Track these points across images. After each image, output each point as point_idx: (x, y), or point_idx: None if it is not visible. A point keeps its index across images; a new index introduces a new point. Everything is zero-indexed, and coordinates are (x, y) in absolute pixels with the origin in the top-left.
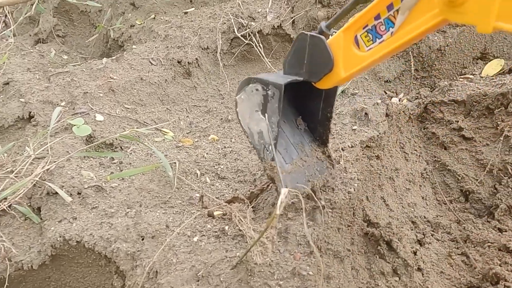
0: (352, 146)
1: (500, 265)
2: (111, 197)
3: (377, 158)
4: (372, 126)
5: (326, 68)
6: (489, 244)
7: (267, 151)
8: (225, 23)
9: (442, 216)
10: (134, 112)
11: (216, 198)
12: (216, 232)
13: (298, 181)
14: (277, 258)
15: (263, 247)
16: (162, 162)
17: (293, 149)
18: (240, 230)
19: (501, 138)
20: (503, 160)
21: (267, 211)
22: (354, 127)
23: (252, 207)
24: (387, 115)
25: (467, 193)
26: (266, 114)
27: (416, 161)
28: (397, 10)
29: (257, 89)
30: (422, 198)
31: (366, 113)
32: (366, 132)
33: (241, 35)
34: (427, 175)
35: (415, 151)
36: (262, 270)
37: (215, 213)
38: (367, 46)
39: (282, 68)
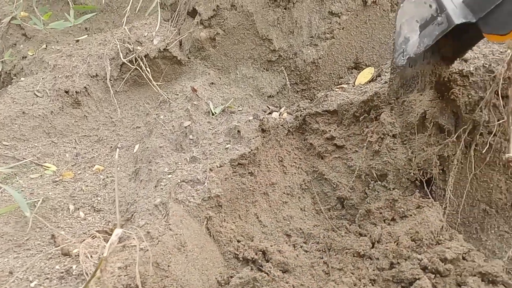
0: (221, 166)
1: (352, 272)
2: None
3: (250, 175)
4: (244, 143)
5: (506, 29)
6: (347, 250)
7: (402, 57)
8: (113, 49)
9: (318, 226)
10: (13, 149)
11: (84, 233)
12: (62, 273)
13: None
14: None
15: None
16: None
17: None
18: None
19: (365, 144)
20: (369, 165)
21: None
22: (227, 146)
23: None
24: (263, 130)
25: (342, 200)
26: (421, 32)
27: (295, 173)
28: None
29: (430, 6)
30: (301, 209)
31: (238, 131)
32: (237, 150)
33: (128, 60)
34: (306, 186)
35: (295, 163)
36: None
37: (74, 251)
38: None
39: None
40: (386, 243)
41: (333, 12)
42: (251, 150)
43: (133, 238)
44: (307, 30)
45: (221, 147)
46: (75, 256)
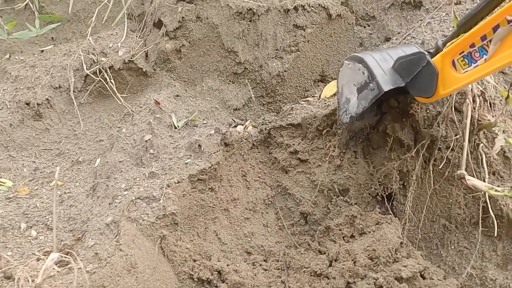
0: (179, 182)
1: None
2: None
3: (211, 191)
4: (205, 158)
5: (429, 93)
6: (305, 269)
7: (346, 115)
8: (78, 60)
9: (281, 242)
10: None
11: (33, 253)
12: None
13: None
14: None
15: None
16: None
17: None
18: None
19: (327, 158)
20: (331, 180)
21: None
22: (187, 161)
23: None
24: (226, 144)
25: (305, 215)
26: (359, 95)
27: (259, 188)
28: (490, 41)
29: (363, 73)
30: (264, 225)
31: (199, 145)
32: (197, 165)
33: (93, 72)
34: (270, 201)
35: (259, 178)
36: None
37: (19, 274)
38: (463, 69)
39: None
40: (344, 261)
41: (298, 25)
42: (212, 165)
43: (80, 260)
44: (272, 43)
45: (181, 162)
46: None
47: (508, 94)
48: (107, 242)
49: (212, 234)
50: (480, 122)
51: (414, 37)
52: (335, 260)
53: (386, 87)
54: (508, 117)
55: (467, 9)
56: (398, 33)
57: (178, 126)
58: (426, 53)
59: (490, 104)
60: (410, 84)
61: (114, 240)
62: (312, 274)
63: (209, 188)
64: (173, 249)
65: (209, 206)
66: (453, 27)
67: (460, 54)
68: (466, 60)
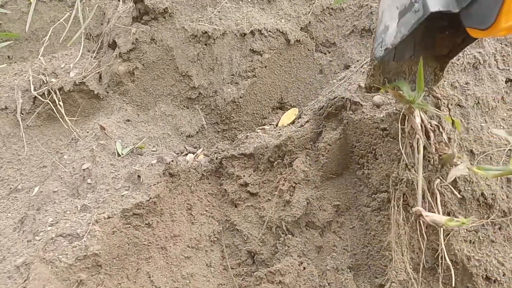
0: (109, 217)
1: None
2: None
3: (148, 227)
4: (143, 190)
5: (486, 23)
6: None
7: (381, 48)
8: (28, 80)
9: (224, 285)
10: None
11: None
12: None
13: None
14: None
15: None
16: None
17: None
18: None
19: (276, 193)
20: (279, 216)
21: None
22: (124, 193)
23: None
24: (171, 175)
25: (253, 254)
26: (399, 20)
27: (205, 223)
28: None
29: None
30: (207, 265)
31: (139, 176)
32: (134, 198)
33: (41, 93)
34: (216, 237)
35: (206, 212)
36: None
37: None
38: None
39: None
40: None
41: (255, 50)
42: (150, 198)
43: None
44: (228, 68)
45: (117, 194)
46: None
47: (451, 119)
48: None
49: (145, 276)
50: (441, 157)
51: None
52: None
53: (434, 7)
54: (465, 153)
55: None
56: (357, 60)
57: (122, 154)
58: None
59: (448, 138)
60: (466, 11)
61: (21, 286)
62: None
63: (146, 224)
64: None
65: (143, 244)
66: None
67: None
68: None
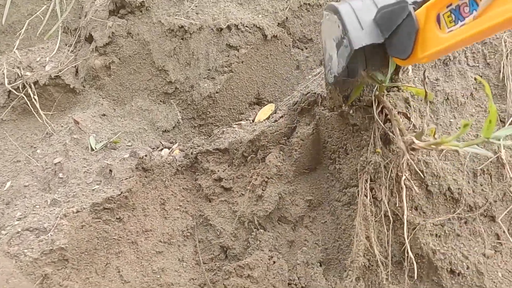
0: (78, 211)
1: None
2: None
3: (118, 221)
4: (115, 185)
5: (405, 54)
6: None
7: (330, 75)
8: (1, 73)
9: (195, 279)
10: None
11: None
12: None
13: None
14: None
15: None
16: None
17: None
18: None
19: (249, 188)
20: (252, 211)
21: None
22: (95, 187)
23: None
24: (144, 169)
25: (225, 249)
26: (338, 52)
27: (178, 218)
28: None
29: (338, 26)
30: (179, 260)
31: (110, 170)
32: (105, 192)
33: (16, 87)
34: (189, 232)
35: (180, 207)
36: None
37: None
38: (448, 28)
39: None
40: None
41: (231, 45)
42: (122, 192)
43: None
44: (204, 63)
45: (88, 189)
46: None
47: (425, 91)
48: None
49: (114, 271)
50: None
51: None
52: None
53: (357, 44)
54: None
55: None
56: None
57: (96, 148)
58: (411, 2)
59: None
60: (389, 41)
61: None
62: None
63: (117, 218)
64: None
65: (114, 238)
66: None
67: (447, 7)
68: (453, 16)
